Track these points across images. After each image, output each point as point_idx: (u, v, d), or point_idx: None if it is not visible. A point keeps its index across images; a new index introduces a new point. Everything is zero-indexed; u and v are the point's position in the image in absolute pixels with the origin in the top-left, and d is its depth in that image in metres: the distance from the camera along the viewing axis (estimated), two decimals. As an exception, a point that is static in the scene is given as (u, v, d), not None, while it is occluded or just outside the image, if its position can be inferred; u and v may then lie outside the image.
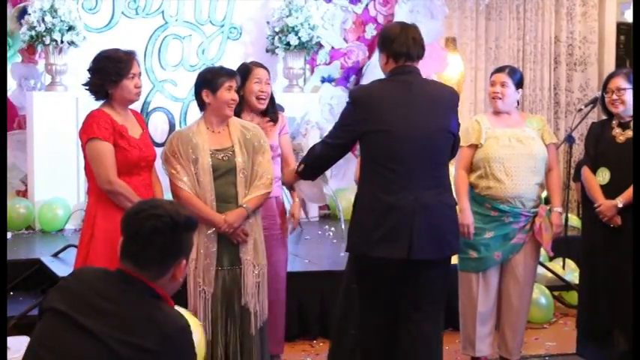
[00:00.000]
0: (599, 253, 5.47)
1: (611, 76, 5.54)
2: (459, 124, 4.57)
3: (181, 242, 2.81)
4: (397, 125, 4.33)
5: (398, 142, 4.33)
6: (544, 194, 5.51)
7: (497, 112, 5.49)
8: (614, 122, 5.49)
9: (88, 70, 4.78)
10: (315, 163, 4.70)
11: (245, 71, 5.34)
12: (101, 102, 4.78)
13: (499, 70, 5.57)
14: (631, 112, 5.41)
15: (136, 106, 9.29)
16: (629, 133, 5.40)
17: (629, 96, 5.38)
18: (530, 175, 5.33)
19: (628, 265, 5.28)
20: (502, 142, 5.35)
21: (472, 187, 5.42)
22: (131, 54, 4.80)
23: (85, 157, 4.74)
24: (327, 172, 5.39)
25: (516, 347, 5.52)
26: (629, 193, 5.29)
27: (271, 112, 5.42)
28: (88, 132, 4.65)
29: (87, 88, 4.78)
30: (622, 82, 5.41)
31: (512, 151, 5.34)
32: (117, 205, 4.55)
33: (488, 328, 5.47)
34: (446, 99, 4.52)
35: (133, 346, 2.63)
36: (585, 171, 5.54)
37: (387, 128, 4.33)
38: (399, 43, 4.40)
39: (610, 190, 5.39)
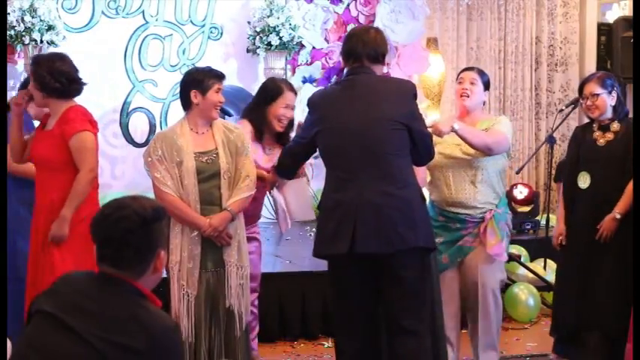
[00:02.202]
0: (575, 254, 5.51)
1: (584, 82, 5.56)
2: (414, 113, 4.48)
3: (155, 235, 2.81)
4: (337, 121, 4.42)
5: (337, 138, 4.42)
6: (498, 198, 5.31)
7: (461, 114, 5.34)
8: (594, 125, 5.51)
9: None
10: (283, 157, 4.82)
11: (276, 91, 5.30)
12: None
13: (468, 68, 5.54)
14: (609, 115, 5.43)
15: (117, 105, 9.27)
16: (609, 135, 5.43)
17: (603, 100, 5.40)
18: (469, 185, 5.19)
19: (604, 267, 5.37)
20: (445, 149, 5.22)
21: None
22: None
23: None
24: (309, 173, 5.36)
25: (482, 348, 5.30)
26: (624, 202, 5.31)
27: (286, 137, 5.33)
28: None
29: None
30: (595, 88, 5.43)
31: (452, 159, 5.22)
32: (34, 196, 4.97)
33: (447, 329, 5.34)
34: (393, 89, 4.53)
35: (119, 346, 2.63)
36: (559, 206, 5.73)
37: (328, 126, 4.45)
38: (348, 45, 4.56)
39: (591, 194, 5.43)
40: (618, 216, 5.32)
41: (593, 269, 5.42)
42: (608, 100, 5.42)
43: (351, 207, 4.32)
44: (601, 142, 5.46)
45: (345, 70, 4.58)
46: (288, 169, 4.89)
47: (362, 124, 4.38)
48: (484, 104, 5.44)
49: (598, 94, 5.40)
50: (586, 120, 5.80)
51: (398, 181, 4.39)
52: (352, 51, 4.52)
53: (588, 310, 5.42)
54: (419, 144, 4.49)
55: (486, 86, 5.37)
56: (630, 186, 5.27)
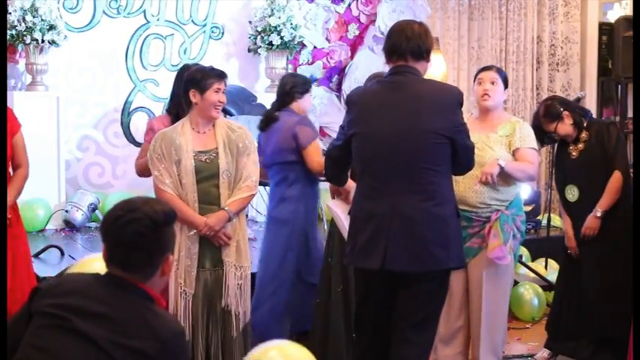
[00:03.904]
0: (572, 259, 5.67)
1: (538, 124, 5.61)
2: (458, 125, 4.22)
3: (165, 239, 2.82)
4: (375, 127, 4.17)
5: (372, 143, 4.18)
6: (508, 199, 5.23)
7: (481, 114, 5.22)
8: (568, 140, 5.67)
9: None
10: (327, 164, 4.59)
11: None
12: None
13: (487, 68, 5.33)
14: (575, 131, 5.57)
15: (118, 105, 9.28)
16: (580, 146, 5.58)
17: (562, 129, 5.56)
18: (478, 184, 4.99)
19: (597, 274, 5.51)
20: None
21: None
22: None
23: None
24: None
25: (483, 352, 5.16)
26: (604, 200, 5.42)
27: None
28: None
29: None
30: (548, 126, 5.59)
31: None
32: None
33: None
34: (438, 97, 4.21)
35: (128, 349, 2.64)
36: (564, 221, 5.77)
37: (365, 130, 4.20)
38: (390, 42, 4.26)
39: (582, 206, 5.56)
40: (599, 214, 5.43)
41: (583, 275, 5.58)
42: (564, 125, 5.56)
43: (384, 221, 4.11)
44: (574, 154, 5.59)
45: (390, 68, 4.28)
46: (333, 174, 4.63)
47: (400, 133, 4.11)
48: (504, 102, 5.43)
49: (555, 130, 5.57)
50: None
51: (433, 197, 4.14)
52: (396, 48, 4.23)
53: (587, 314, 5.52)
54: (460, 156, 4.25)
55: (505, 84, 5.24)
56: (611, 184, 5.40)
